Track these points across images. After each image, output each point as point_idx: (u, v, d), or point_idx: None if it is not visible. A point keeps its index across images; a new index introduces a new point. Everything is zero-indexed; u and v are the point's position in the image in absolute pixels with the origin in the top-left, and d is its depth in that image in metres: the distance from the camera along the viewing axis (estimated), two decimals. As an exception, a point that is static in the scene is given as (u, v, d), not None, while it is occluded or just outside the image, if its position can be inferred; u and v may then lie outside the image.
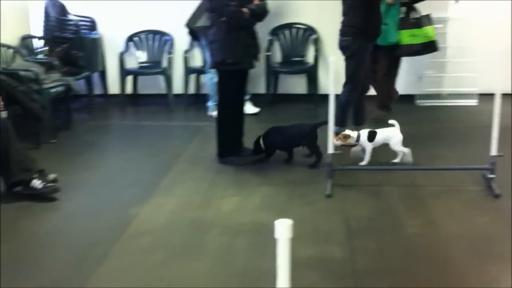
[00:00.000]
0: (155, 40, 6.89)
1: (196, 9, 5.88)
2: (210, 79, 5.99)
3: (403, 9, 5.79)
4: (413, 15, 5.84)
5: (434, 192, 4.04)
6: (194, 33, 6.09)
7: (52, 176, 4.07)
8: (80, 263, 3.11)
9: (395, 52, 5.84)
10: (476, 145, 4.90)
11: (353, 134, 4.52)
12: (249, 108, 6.01)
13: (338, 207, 3.79)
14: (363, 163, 4.50)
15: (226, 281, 2.91)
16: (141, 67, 6.87)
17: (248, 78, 4.75)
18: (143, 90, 6.98)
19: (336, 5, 4.94)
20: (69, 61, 6.17)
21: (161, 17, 6.80)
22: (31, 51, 6.29)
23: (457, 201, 3.87)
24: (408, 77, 6.57)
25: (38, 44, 6.49)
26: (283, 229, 1.58)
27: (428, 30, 5.79)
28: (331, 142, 4.16)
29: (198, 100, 6.64)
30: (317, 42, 6.66)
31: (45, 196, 3.96)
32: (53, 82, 5.54)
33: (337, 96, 4.29)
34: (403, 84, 6.45)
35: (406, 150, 4.53)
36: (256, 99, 6.35)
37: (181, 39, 6.69)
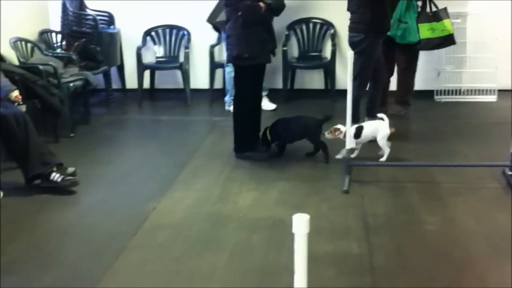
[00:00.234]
0: (172, 34, 6.90)
1: (217, 5, 5.89)
2: (228, 73, 5.98)
3: (420, 3, 5.74)
4: (429, 8, 5.79)
5: (452, 189, 4.00)
6: (217, 28, 6.10)
7: (70, 169, 4.10)
8: (98, 256, 3.13)
9: (414, 47, 5.79)
10: (495, 141, 4.86)
11: (343, 128, 4.49)
12: (266, 105, 6.00)
13: (355, 203, 3.77)
14: (339, 156, 4.47)
15: (243, 275, 2.91)
16: (158, 62, 6.89)
17: (264, 73, 4.75)
18: (160, 84, 7.00)
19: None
20: (87, 55, 6.20)
21: (178, 11, 6.81)
22: (50, 46, 6.33)
23: (476, 198, 3.83)
24: (427, 72, 6.51)
25: (56, 38, 6.53)
26: (300, 224, 1.57)
27: (446, 23, 5.74)
28: (349, 138, 4.15)
29: (224, 95, 6.49)
30: (334, 37, 6.63)
31: (64, 190, 3.99)
32: (72, 77, 5.58)
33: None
34: (422, 80, 6.40)
35: (387, 149, 4.46)
36: (273, 94, 6.34)
37: (200, 33, 6.70)
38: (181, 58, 6.77)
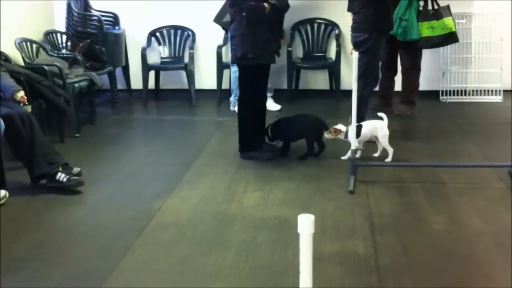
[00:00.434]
0: (177, 35, 6.91)
1: (224, 5, 5.89)
2: (233, 72, 5.98)
3: (421, 2, 5.74)
4: (431, 6, 5.78)
5: (458, 189, 4.00)
6: (224, 28, 6.11)
7: (76, 169, 4.11)
8: (105, 255, 3.14)
9: (415, 45, 5.77)
10: (501, 141, 4.85)
11: (343, 129, 4.49)
12: (271, 105, 6.00)
13: (361, 203, 3.77)
14: (344, 157, 4.47)
15: (249, 274, 2.91)
16: (163, 62, 6.90)
17: (269, 73, 4.75)
18: (165, 85, 7.00)
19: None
20: (92, 56, 6.21)
21: (183, 12, 6.82)
22: (55, 46, 6.34)
23: (482, 198, 3.83)
24: (432, 73, 6.50)
25: (61, 39, 6.54)
26: (305, 223, 1.57)
27: (447, 21, 5.72)
28: (353, 138, 4.14)
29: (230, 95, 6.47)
30: (339, 37, 6.63)
31: (70, 189, 4.00)
32: (77, 77, 5.59)
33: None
34: (427, 80, 6.40)
35: (391, 149, 4.46)
36: (277, 95, 6.34)
37: (205, 34, 6.71)
38: (186, 59, 6.77)
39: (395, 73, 6.00)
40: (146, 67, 6.67)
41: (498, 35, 6.31)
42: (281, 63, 6.28)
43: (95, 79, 5.78)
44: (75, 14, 6.51)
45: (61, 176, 4.00)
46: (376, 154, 4.54)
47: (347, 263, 3.00)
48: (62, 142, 5.16)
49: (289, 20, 6.31)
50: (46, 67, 5.21)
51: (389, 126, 4.52)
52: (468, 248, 3.16)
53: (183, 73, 6.72)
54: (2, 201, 3.79)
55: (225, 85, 6.59)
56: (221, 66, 6.57)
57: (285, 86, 6.64)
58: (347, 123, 4.51)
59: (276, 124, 4.72)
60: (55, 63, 5.39)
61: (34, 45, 5.87)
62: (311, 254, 1.57)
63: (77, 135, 5.41)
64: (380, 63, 5.52)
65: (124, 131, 5.82)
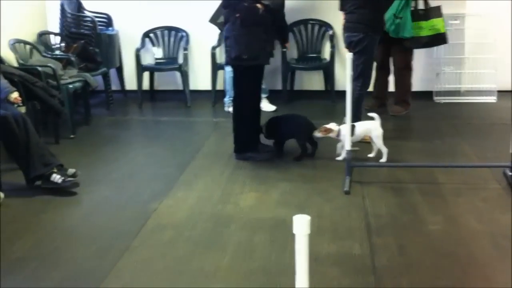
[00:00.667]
0: (171, 36, 6.91)
1: (219, 6, 5.88)
2: (228, 73, 5.97)
3: (413, 3, 5.75)
4: (422, 6, 5.80)
5: (454, 189, 4.01)
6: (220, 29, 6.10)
7: (71, 171, 4.09)
8: (102, 256, 3.13)
9: (403, 44, 5.77)
10: (496, 142, 4.87)
11: (335, 128, 4.50)
12: (266, 106, 6.00)
13: (357, 203, 3.77)
14: (339, 158, 4.49)
15: (246, 275, 2.91)
16: (157, 63, 6.89)
17: (263, 74, 4.75)
18: (160, 86, 6.99)
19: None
20: (86, 57, 6.19)
21: (177, 13, 6.81)
22: (48, 47, 6.32)
23: (478, 198, 3.84)
24: (426, 73, 6.52)
25: (55, 40, 6.52)
26: (301, 224, 1.57)
27: (436, 22, 5.72)
28: (349, 139, 4.15)
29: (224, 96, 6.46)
30: (333, 38, 6.64)
31: (65, 190, 3.99)
32: (71, 78, 5.57)
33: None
34: (421, 81, 6.42)
35: (385, 149, 4.48)
36: (272, 96, 6.34)
37: (199, 35, 6.70)
38: (180, 60, 6.77)
39: (388, 73, 6.01)
40: (140, 68, 6.66)
41: (492, 36, 6.33)
42: (276, 64, 6.29)
43: (89, 80, 5.76)
44: (69, 15, 6.48)
45: (56, 177, 3.98)
46: (371, 155, 4.55)
47: (344, 264, 3.00)
48: (57, 143, 5.14)
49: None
50: (40, 68, 5.19)
51: (384, 127, 4.54)
52: (465, 248, 3.17)
53: (178, 74, 6.72)
54: (-2, 203, 3.78)
55: (219, 86, 6.58)
56: (216, 67, 6.56)
57: (280, 87, 6.64)
58: (342, 123, 4.51)
59: (268, 123, 4.75)
60: (49, 64, 5.38)
61: (28, 46, 5.85)
62: (307, 255, 1.57)
63: (72, 136, 5.39)
64: (375, 63, 5.53)
65: (120, 132, 5.81)
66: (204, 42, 6.68)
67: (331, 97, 6.48)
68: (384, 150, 4.47)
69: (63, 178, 3.99)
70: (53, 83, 5.24)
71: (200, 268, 2.98)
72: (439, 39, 5.81)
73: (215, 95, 6.56)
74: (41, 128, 4.90)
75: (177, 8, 6.78)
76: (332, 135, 4.51)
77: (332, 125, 4.53)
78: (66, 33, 6.46)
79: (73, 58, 5.90)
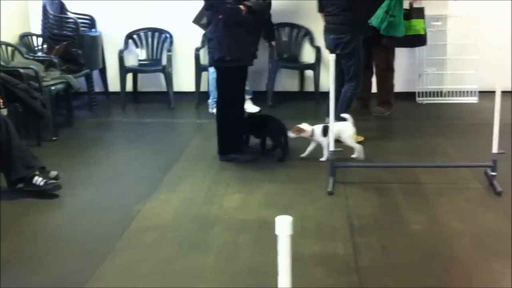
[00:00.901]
0: (155, 37, 6.88)
1: (203, 7, 5.87)
2: (211, 74, 5.96)
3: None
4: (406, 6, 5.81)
5: (436, 189, 4.05)
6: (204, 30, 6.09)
7: (53, 173, 4.06)
8: (85, 258, 3.11)
9: (382, 41, 5.76)
10: (477, 142, 4.91)
11: (308, 128, 4.53)
12: (250, 107, 6.00)
13: (340, 204, 3.79)
14: (323, 159, 4.51)
15: (230, 276, 2.91)
16: (141, 65, 6.86)
17: (247, 75, 4.75)
18: (143, 87, 6.96)
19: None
20: (68, 58, 6.14)
21: (160, 14, 6.79)
22: (31, 49, 6.27)
23: (459, 198, 3.88)
24: (409, 74, 6.58)
25: (37, 42, 6.47)
26: (283, 225, 1.58)
27: (415, 23, 5.71)
28: (331, 139, 4.17)
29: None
30: (314, 40, 6.65)
31: (48, 193, 3.95)
32: (53, 80, 5.53)
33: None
34: (403, 82, 6.47)
35: (358, 146, 4.53)
36: (256, 97, 6.35)
37: (183, 36, 6.69)
38: (164, 61, 6.75)
39: (372, 74, 6.04)
40: (123, 70, 6.63)
41: (473, 37, 6.39)
42: (260, 65, 6.29)
43: (72, 82, 5.72)
44: (51, 17, 6.44)
45: (38, 180, 3.95)
46: (354, 155, 4.57)
47: (328, 264, 3.01)
48: (39, 146, 5.09)
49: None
50: (21, 70, 5.15)
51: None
52: (447, 248, 3.20)
53: (161, 75, 6.69)
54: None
55: (203, 88, 6.57)
56: (199, 69, 6.55)
57: (264, 88, 6.64)
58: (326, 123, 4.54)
59: (246, 121, 4.79)
60: (31, 66, 5.33)
61: (10, 48, 5.80)
62: (289, 256, 1.58)
63: (54, 138, 5.35)
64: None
65: (103, 134, 5.78)
66: (188, 43, 6.66)
67: (315, 98, 6.50)
68: (356, 147, 4.52)
69: (45, 180, 3.96)
70: (35, 85, 5.19)
71: (184, 269, 2.98)
72: (418, 40, 5.81)
73: (199, 97, 6.55)
74: (23, 130, 4.85)
75: (160, 9, 6.76)
76: (305, 135, 4.56)
77: (305, 125, 4.58)
78: (48, 35, 6.42)
79: (55, 60, 5.85)
